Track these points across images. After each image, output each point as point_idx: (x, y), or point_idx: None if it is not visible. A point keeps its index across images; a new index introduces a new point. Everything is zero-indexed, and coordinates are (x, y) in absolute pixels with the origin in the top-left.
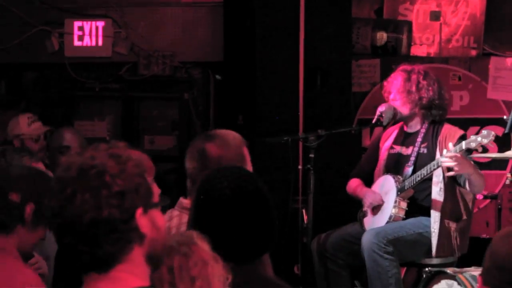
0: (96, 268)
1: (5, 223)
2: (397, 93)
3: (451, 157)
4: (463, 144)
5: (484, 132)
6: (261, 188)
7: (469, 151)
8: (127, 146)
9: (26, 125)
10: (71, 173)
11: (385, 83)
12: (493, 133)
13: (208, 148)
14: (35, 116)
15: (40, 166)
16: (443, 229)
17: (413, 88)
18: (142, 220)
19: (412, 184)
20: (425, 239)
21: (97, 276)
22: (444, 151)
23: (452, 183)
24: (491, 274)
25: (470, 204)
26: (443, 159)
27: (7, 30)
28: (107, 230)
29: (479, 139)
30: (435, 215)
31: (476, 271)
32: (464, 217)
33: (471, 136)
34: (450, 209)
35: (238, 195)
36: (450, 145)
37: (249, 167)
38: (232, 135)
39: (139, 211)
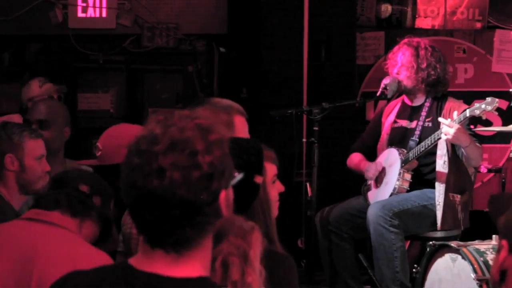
0: (168, 247)
1: (80, 210)
2: (402, 67)
3: (450, 126)
4: (467, 112)
5: (488, 99)
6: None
7: (473, 118)
8: (210, 115)
9: (38, 87)
10: (160, 147)
11: (390, 55)
12: (497, 100)
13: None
14: (46, 79)
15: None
16: (448, 202)
17: (423, 65)
18: (223, 202)
19: (416, 154)
20: (430, 211)
21: (164, 255)
22: (448, 119)
23: (455, 156)
24: None
25: (472, 177)
26: (444, 127)
27: (10, 2)
28: (192, 212)
29: (483, 106)
30: (439, 188)
31: (480, 245)
32: (467, 190)
33: (475, 104)
34: (454, 182)
35: None
36: (455, 113)
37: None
38: (224, 103)
39: (223, 193)
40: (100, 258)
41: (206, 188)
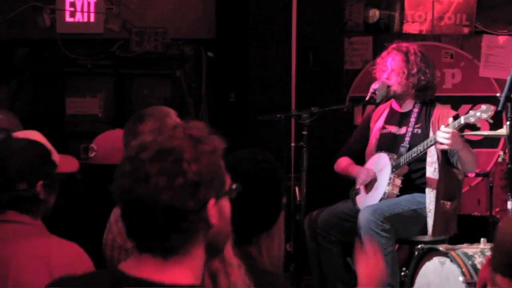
0: (155, 252)
1: (30, 209)
2: (393, 73)
3: (447, 133)
4: (462, 119)
5: (483, 107)
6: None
7: (467, 126)
8: (205, 127)
9: None
10: (146, 154)
11: (379, 60)
12: (492, 107)
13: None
14: None
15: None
16: (439, 209)
17: (413, 71)
18: (213, 211)
19: (407, 160)
20: (420, 216)
21: (152, 260)
22: (442, 126)
23: (446, 163)
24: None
25: (462, 184)
26: (440, 134)
27: None
28: (177, 219)
29: (478, 113)
30: (430, 195)
31: (468, 248)
32: (457, 197)
33: (470, 111)
34: (444, 189)
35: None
36: (450, 119)
37: None
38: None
39: (212, 201)
40: (71, 251)
41: (192, 195)
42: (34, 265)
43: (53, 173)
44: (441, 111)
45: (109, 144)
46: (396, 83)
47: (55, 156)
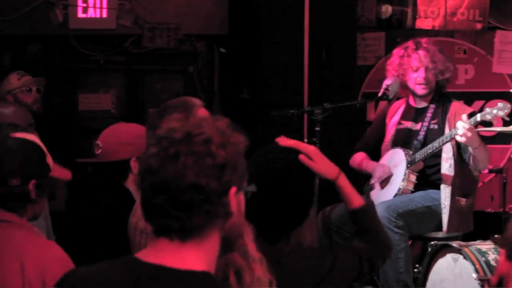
0: (173, 234)
1: (18, 207)
2: (424, 70)
3: (467, 129)
4: (478, 116)
5: (500, 104)
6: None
7: (483, 123)
8: (230, 123)
9: (17, 80)
10: (176, 135)
11: (404, 58)
12: (509, 105)
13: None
14: (25, 73)
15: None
16: (454, 205)
17: (441, 67)
18: (233, 200)
19: (423, 156)
20: (434, 212)
21: (169, 244)
22: (459, 122)
23: (461, 159)
24: None
25: (477, 181)
26: (459, 127)
27: (11, 2)
28: (201, 199)
29: (494, 111)
30: (445, 191)
31: (481, 245)
32: (472, 193)
33: (486, 109)
34: (460, 185)
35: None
36: (464, 116)
37: None
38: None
39: (233, 189)
40: (48, 250)
41: (217, 177)
42: (7, 262)
43: (46, 175)
44: (458, 107)
45: (113, 139)
46: (429, 78)
47: (50, 160)
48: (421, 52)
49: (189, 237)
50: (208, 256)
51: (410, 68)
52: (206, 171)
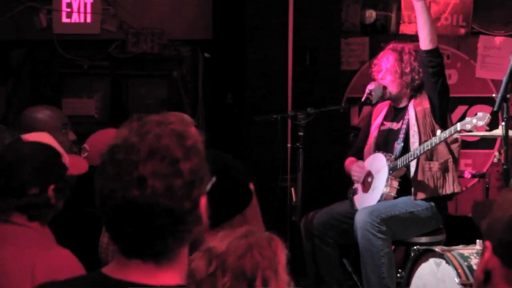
0: (147, 257)
1: (39, 216)
2: (387, 73)
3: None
4: (458, 126)
5: (479, 114)
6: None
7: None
8: (183, 119)
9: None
10: (138, 156)
11: (375, 61)
12: (488, 115)
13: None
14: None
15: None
16: (421, 169)
17: (406, 70)
18: (203, 209)
19: (405, 163)
20: (417, 218)
21: (142, 265)
22: (438, 131)
23: (430, 123)
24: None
25: (454, 147)
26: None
27: None
28: (174, 222)
29: (474, 121)
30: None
31: (464, 250)
32: (447, 157)
33: (466, 118)
34: (430, 152)
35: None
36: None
37: None
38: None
39: (203, 199)
40: (61, 259)
41: (187, 196)
42: (19, 271)
43: (64, 175)
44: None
45: (101, 144)
46: (390, 82)
47: (65, 159)
48: (386, 55)
49: (164, 259)
50: (181, 269)
51: (377, 71)
52: (177, 194)
